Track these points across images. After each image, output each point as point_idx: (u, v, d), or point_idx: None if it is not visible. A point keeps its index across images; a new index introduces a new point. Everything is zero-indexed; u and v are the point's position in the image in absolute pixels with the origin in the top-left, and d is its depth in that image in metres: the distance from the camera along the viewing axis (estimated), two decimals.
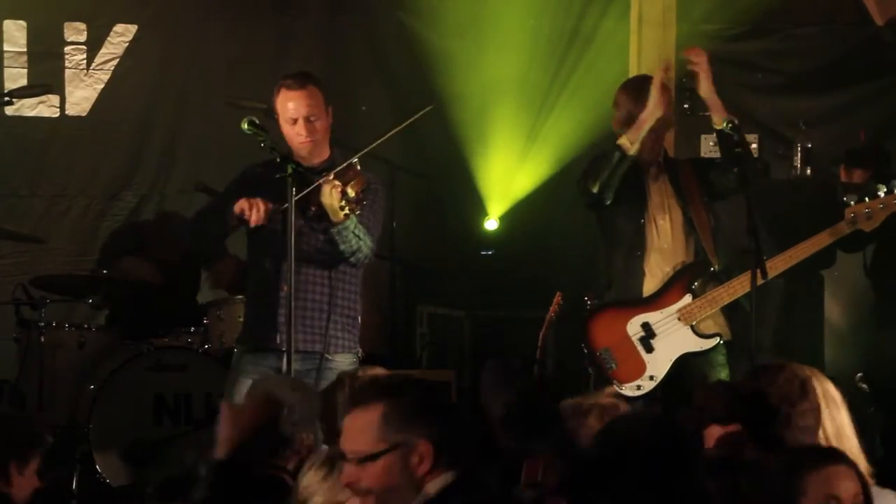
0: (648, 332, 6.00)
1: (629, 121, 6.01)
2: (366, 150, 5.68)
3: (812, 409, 3.82)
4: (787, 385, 3.86)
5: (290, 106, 5.72)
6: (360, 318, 5.86)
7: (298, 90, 5.73)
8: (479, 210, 8.46)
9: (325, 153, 5.79)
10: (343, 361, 5.70)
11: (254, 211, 5.53)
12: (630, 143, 5.96)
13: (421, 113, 5.84)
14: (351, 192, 5.39)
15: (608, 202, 6.01)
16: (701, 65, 6.00)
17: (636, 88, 6.10)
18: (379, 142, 5.73)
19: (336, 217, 5.46)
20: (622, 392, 5.93)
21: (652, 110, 5.94)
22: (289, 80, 5.79)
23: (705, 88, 5.98)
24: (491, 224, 8.48)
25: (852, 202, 6.11)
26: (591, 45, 8.32)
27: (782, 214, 7.51)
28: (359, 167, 5.62)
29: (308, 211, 5.56)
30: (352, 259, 5.66)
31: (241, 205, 5.55)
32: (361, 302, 5.87)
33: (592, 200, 6.05)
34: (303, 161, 5.67)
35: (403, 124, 5.82)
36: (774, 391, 3.86)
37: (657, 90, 5.95)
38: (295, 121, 5.71)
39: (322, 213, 5.51)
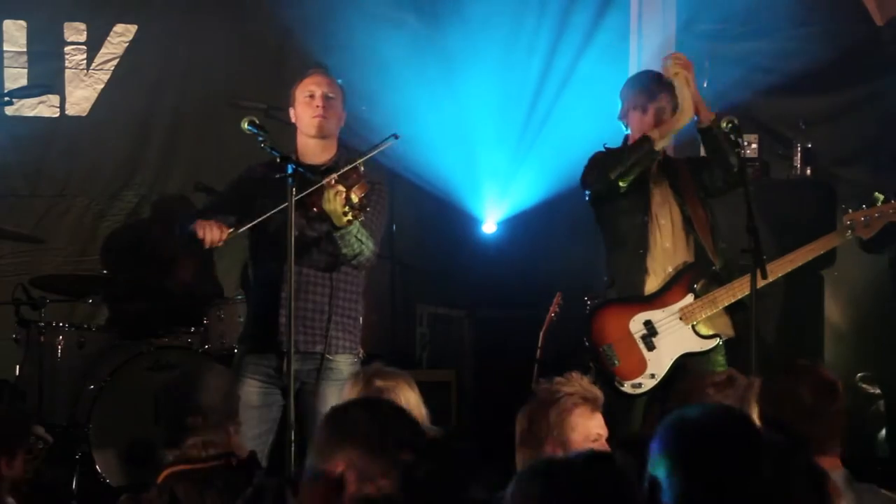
0: (650, 331, 6.00)
1: (632, 109, 6.06)
2: (344, 169, 5.58)
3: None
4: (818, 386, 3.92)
5: (310, 82, 5.74)
6: (361, 318, 5.85)
7: (322, 74, 5.77)
8: (478, 210, 8.47)
9: (331, 151, 5.78)
10: (344, 362, 5.69)
11: (207, 232, 5.48)
12: (660, 137, 5.99)
13: (383, 144, 5.67)
14: (354, 198, 5.31)
15: (622, 192, 6.01)
16: (686, 65, 6.04)
17: (648, 83, 6.15)
18: (351, 166, 5.62)
19: (339, 222, 5.40)
20: (623, 389, 5.94)
21: (686, 111, 5.99)
22: (314, 68, 5.82)
23: (692, 89, 6.02)
24: (489, 227, 8.48)
25: (850, 210, 6.13)
26: (590, 45, 8.32)
27: (782, 214, 7.51)
28: (362, 169, 5.60)
29: (310, 211, 5.54)
30: (354, 262, 5.64)
31: (195, 227, 5.51)
32: (363, 302, 5.87)
33: (604, 188, 6.03)
34: (307, 157, 5.65)
35: (368, 154, 5.61)
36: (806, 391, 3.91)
37: (689, 91, 5.99)
38: (312, 96, 5.71)
39: (324, 214, 5.48)
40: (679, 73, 6.05)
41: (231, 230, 5.54)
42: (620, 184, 6.01)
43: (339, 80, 5.81)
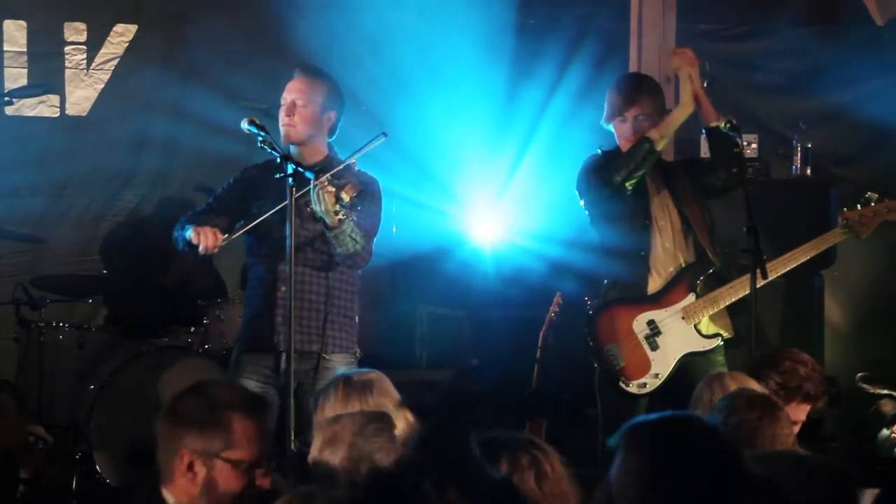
0: (654, 330, 6.00)
1: (612, 116, 6.08)
2: (335, 170, 5.57)
3: None
4: None
5: (288, 86, 5.78)
6: (357, 318, 5.85)
7: (299, 77, 5.78)
8: (474, 220, 8.47)
9: (319, 154, 5.78)
10: (341, 361, 5.69)
11: (202, 238, 5.52)
12: (660, 137, 5.99)
13: (372, 143, 5.61)
14: (345, 198, 5.32)
15: (628, 193, 6.01)
16: (691, 61, 6.04)
17: (628, 89, 6.15)
18: (342, 166, 5.61)
19: (331, 222, 5.41)
20: (628, 389, 5.94)
21: (685, 106, 6.00)
22: (298, 69, 5.82)
23: (695, 85, 6.02)
24: (485, 239, 8.45)
25: (846, 208, 6.15)
26: (589, 46, 8.32)
27: (782, 214, 7.51)
28: (356, 169, 5.59)
29: (304, 211, 5.54)
30: (348, 262, 5.64)
31: (192, 233, 5.55)
32: (359, 302, 5.87)
33: (609, 191, 6.03)
34: (297, 159, 5.65)
35: (356, 153, 5.62)
36: None
37: (690, 86, 5.99)
38: (284, 103, 5.75)
39: (316, 214, 5.47)
40: (682, 68, 6.06)
41: (226, 236, 5.56)
42: (627, 186, 6.00)
43: (324, 79, 5.80)
